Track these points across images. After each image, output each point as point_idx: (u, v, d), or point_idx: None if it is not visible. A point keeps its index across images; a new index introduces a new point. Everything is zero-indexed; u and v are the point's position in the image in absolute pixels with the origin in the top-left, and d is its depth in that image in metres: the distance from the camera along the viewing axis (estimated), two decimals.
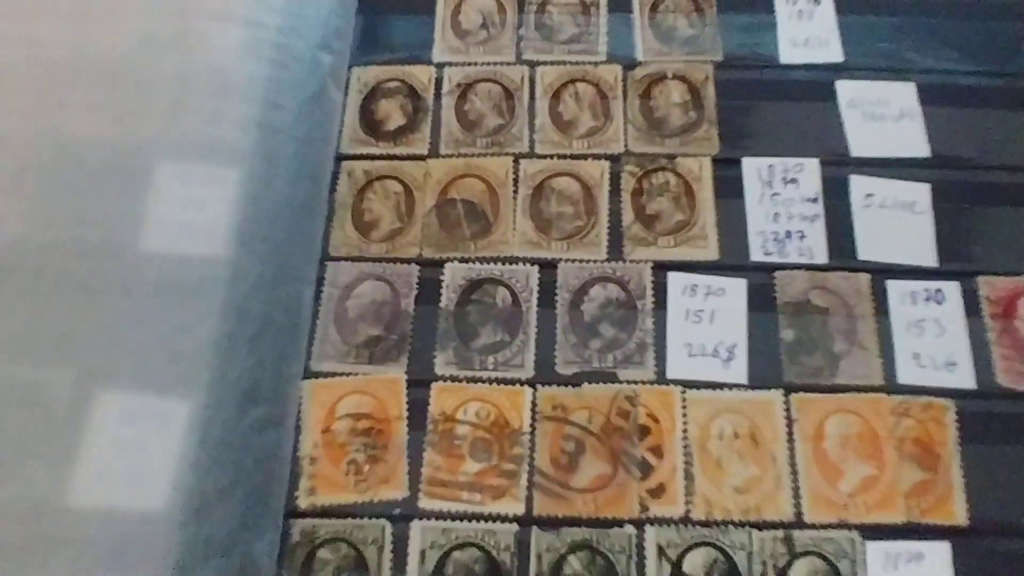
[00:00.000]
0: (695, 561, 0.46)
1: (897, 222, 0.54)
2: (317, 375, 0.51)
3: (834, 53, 0.59)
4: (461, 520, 0.47)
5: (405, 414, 0.49)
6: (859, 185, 0.55)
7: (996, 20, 0.60)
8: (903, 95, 0.58)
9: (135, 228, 0.51)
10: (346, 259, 0.54)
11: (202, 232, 0.51)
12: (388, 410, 0.50)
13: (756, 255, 0.53)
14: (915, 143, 0.56)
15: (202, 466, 0.45)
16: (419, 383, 0.50)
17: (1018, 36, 0.59)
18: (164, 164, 0.53)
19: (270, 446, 0.48)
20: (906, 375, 0.50)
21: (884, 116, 0.57)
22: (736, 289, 0.52)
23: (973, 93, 0.58)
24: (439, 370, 0.51)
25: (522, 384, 0.50)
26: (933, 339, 0.51)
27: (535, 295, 0.52)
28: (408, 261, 0.53)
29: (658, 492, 0.47)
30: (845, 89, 0.58)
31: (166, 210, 0.52)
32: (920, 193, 0.54)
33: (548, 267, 0.53)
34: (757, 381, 0.50)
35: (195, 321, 0.48)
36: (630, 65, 0.59)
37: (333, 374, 0.51)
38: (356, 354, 0.51)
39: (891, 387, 0.50)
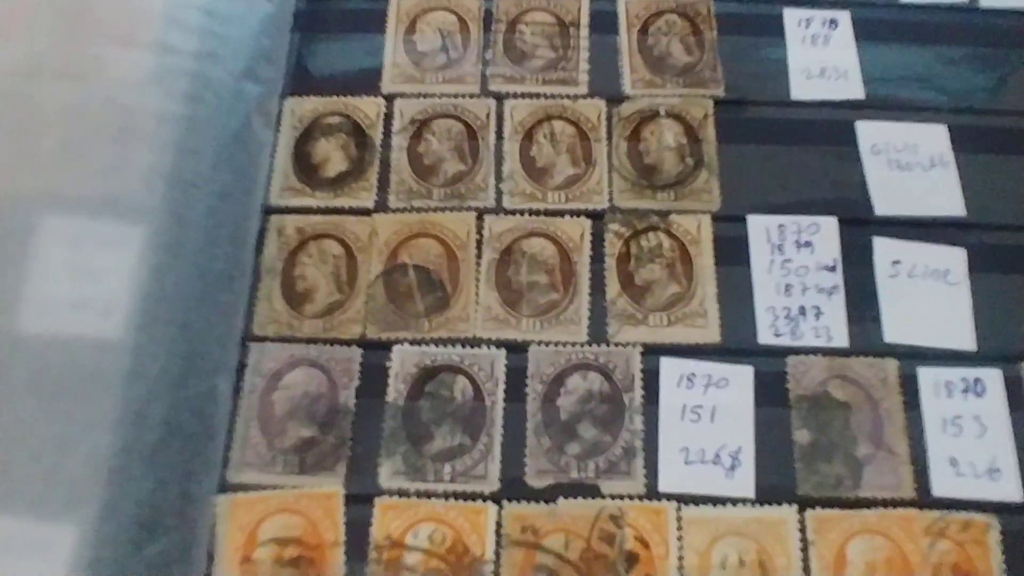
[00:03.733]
0: None
1: (929, 295, 0.46)
2: (235, 488, 0.42)
3: (854, 88, 0.50)
4: None
5: (343, 539, 0.41)
6: (884, 249, 0.47)
7: None
8: (933, 139, 0.49)
9: (11, 304, 0.42)
10: (273, 339, 0.44)
11: (95, 310, 0.42)
12: (322, 534, 0.41)
13: (765, 337, 0.45)
14: (948, 199, 0.48)
15: None
16: (360, 499, 0.41)
17: None
18: (49, 223, 0.44)
19: None
20: (941, 485, 0.42)
21: (912, 165, 0.48)
22: (742, 379, 0.44)
23: (1012, 136, 0.49)
24: (384, 482, 0.42)
25: (485, 500, 0.41)
26: (973, 440, 0.43)
27: (501, 386, 0.43)
28: (348, 343, 0.44)
29: None
30: (867, 132, 0.49)
31: (51, 281, 0.43)
32: (955, 259, 0.46)
33: (517, 351, 0.44)
34: (766, 495, 0.42)
35: (82, 431, 0.39)
36: (616, 99, 0.50)
37: (255, 487, 0.42)
38: (284, 462, 0.42)
39: (924, 500, 0.42)
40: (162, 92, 0.46)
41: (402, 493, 0.41)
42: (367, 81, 0.51)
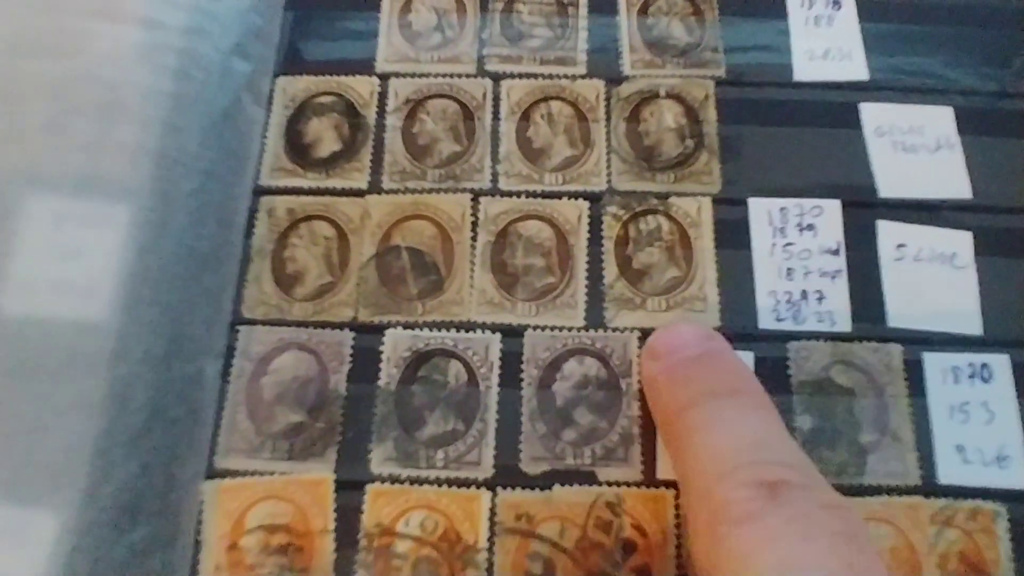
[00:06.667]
0: None
1: (935, 279, 0.44)
2: (223, 474, 0.40)
3: (858, 69, 0.49)
4: None
5: (332, 526, 0.39)
6: (889, 233, 0.45)
7: None
8: (939, 121, 0.48)
9: None
10: (263, 322, 0.43)
11: (77, 290, 0.41)
12: (310, 521, 0.40)
13: (766, 322, 0.44)
14: (954, 181, 0.47)
15: None
16: (350, 485, 0.40)
17: None
18: (33, 202, 0.42)
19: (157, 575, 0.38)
20: (948, 473, 0.41)
21: (918, 147, 0.47)
22: None
23: (1019, 119, 0.48)
24: (376, 468, 0.41)
25: (478, 487, 0.40)
26: (980, 427, 0.42)
27: (496, 371, 0.42)
28: (340, 326, 0.43)
29: None
30: (871, 113, 0.48)
31: (32, 261, 0.42)
32: (961, 243, 0.45)
33: (512, 335, 0.43)
34: None
35: (61, 413, 0.38)
36: (615, 80, 0.49)
37: (243, 473, 0.40)
38: (272, 447, 0.41)
39: (930, 488, 0.41)
40: (148, 68, 0.45)
41: (393, 479, 0.40)
42: (361, 60, 0.49)
